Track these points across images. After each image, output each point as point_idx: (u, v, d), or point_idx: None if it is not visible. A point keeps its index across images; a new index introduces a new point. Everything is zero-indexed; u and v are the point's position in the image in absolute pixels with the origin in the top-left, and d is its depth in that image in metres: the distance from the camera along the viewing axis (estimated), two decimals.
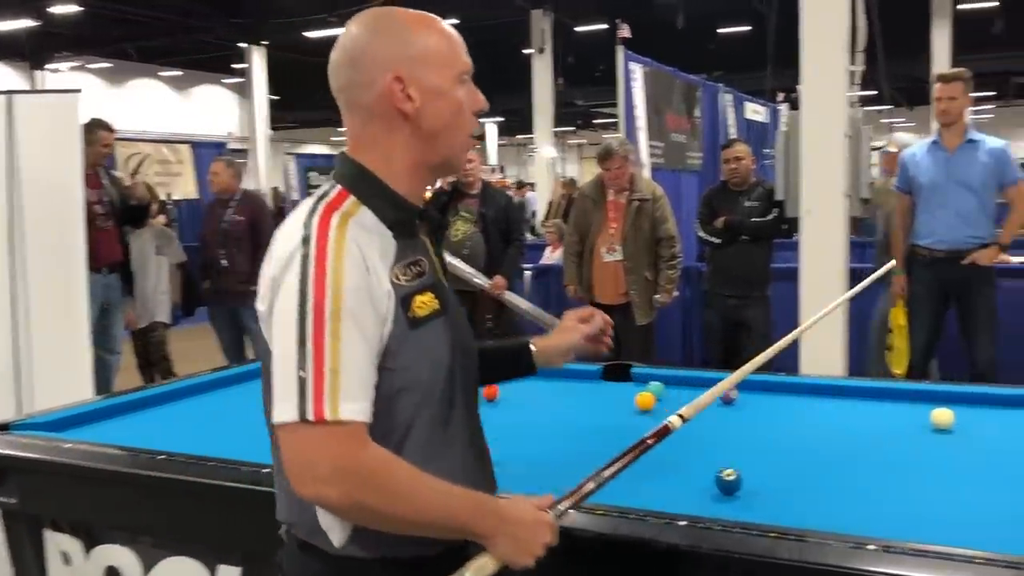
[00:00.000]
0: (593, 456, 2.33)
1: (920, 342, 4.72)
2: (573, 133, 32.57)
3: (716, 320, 5.27)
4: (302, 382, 1.15)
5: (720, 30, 20.04)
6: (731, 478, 2.01)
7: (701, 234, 5.24)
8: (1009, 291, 5.31)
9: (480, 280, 5.12)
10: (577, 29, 18.78)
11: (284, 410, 1.16)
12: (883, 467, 2.22)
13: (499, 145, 28.89)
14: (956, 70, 4.71)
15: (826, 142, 4.36)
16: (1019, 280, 5.51)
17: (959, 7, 17.35)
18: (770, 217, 4.97)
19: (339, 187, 1.28)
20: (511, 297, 5.25)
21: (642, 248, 4.92)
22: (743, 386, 2.95)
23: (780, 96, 9.07)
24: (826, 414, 2.71)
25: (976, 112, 32.66)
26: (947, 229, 4.57)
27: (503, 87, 21.07)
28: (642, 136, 6.50)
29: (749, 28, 18.54)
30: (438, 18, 1.34)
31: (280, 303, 1.19)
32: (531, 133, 16.91)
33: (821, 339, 4.27)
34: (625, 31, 6.20)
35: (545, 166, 15.88)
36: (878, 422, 2.60)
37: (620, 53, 6.16)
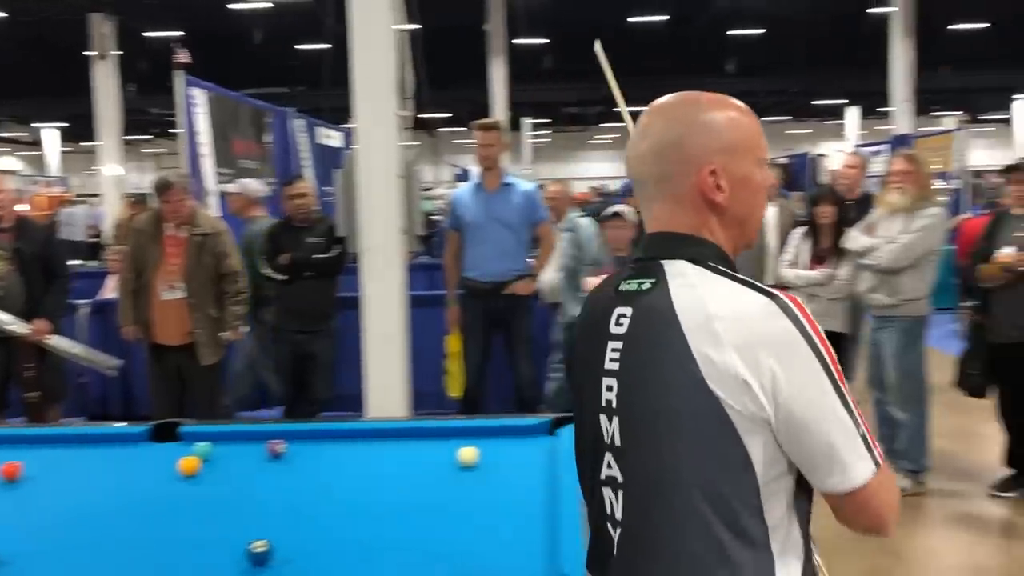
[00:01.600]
0: (121, 542, 2.23)
1: (473, 365, 5.16)
2: (149, 142, 30.52)
3: (285, 355, 5.28)
4: (865, 438, 1.24)
5: (298, 47, 20.10)
6: (261, 550, 2.02)
7: (266, 271, 5.21)
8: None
9: (17, 326, 4.61)
10: (146, 34, 17.69)
11: (864, 468, 1.24)
12: (416, 512, 2.38)
13: (63, 152, 26.19)
14: (493, 120, 5.22)
15: (381, 183, 4.58)
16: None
17: (514, 41, 19.23)
18: (333, 253, 5.09)
19: (717, 266, 1.31)
20: (57, 342, 4.79)
21: (205, 284, 4.76)
22: (295, 436, 3.02)
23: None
24: (368, 461, 2.83)
25: (536, 138, 36.40)
26: (490, 262, 5.05)
27: (63, 90, 19.15)
28: (207, 163, 6.30)
29: (330, 46, 18.84)
30: (734, 100, 1.36)
31: (802, 374, 1.22)
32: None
33: (385, 380, 4.51)
34: (184, 56, 5.95)
35: (112, 184, 14.67)
36: (413, 463, 2.77)
37: (179, 79, 5.90)
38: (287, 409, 5.35)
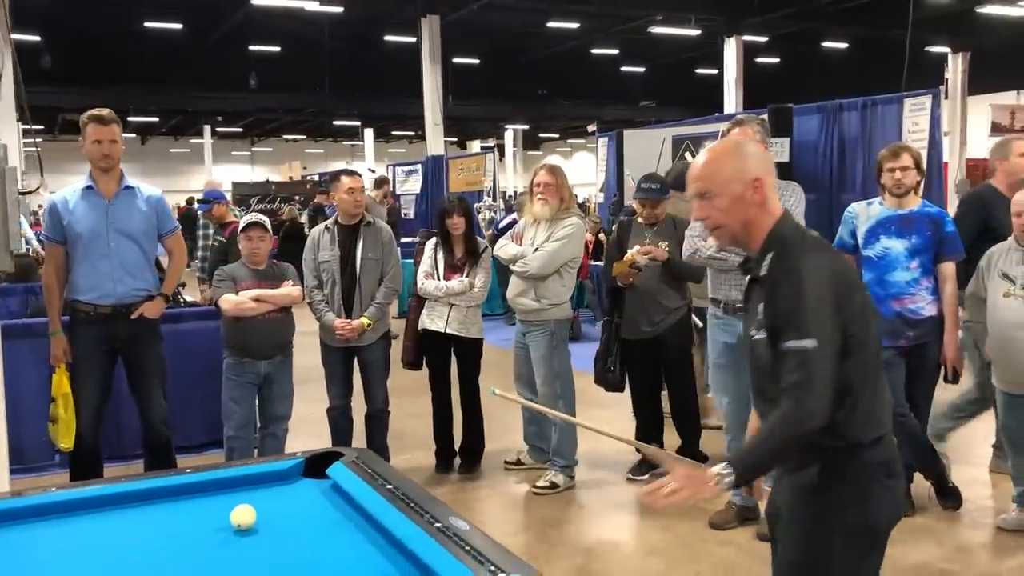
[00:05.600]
0: None
1: (90, 407, 4.26)
2: None
3: None
4: None
5: None
6: None
7: None
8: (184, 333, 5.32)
9: None
10: None
11: None
12: None
13: None
14: (108, 111, 4.24)
15: None
16: (191, 322, 5.53)
17: (14, 37, 16.65)
18: None
19: None
20: None
21: None
22: None
23: None
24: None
25: (28, 146, 31.93)
26: (112, 282, 4.21)
27: None
28: None
29: None
30: None
31: None
32: None
33: None
34: None
35: None
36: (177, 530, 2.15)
37: None
38: None
